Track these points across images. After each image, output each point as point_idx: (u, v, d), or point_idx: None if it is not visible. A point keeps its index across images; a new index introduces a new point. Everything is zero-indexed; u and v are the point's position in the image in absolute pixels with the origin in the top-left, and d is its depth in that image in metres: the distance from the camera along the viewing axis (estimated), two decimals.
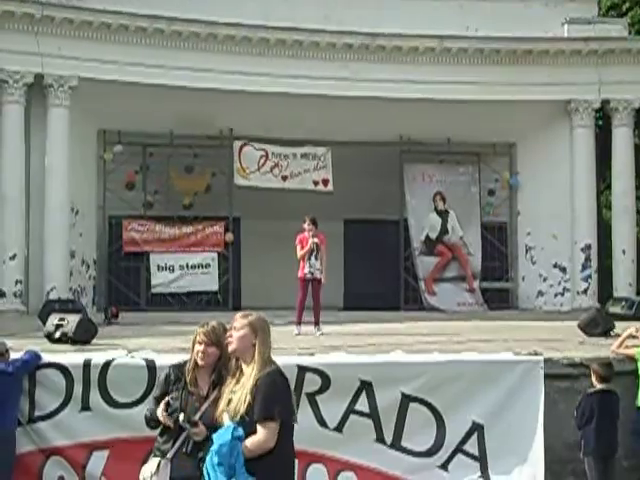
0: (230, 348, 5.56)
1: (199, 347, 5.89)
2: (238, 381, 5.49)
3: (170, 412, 5.83)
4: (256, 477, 5.21)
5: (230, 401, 5.44)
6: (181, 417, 5.68)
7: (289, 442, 5.40)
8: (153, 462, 5.82)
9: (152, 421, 6.02)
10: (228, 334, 5.62)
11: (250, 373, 5.39)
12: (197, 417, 5.69)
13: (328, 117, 20.63)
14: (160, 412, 5.84)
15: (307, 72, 20.36)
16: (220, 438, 5.30)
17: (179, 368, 6.02)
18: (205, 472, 5.32)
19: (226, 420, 5.39)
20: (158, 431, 6.02)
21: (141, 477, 5.86)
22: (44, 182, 19.51)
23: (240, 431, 5.27)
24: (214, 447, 5.29)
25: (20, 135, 19.44)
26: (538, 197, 22.31)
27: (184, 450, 5.77)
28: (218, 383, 5.86)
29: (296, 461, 5.71)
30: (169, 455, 5.76)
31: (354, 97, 20.42)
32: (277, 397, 5.28)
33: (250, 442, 5.24)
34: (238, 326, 5.54)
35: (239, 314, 5.69)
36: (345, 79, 20.52)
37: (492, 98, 20.87)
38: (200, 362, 5.88)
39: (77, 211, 20.33)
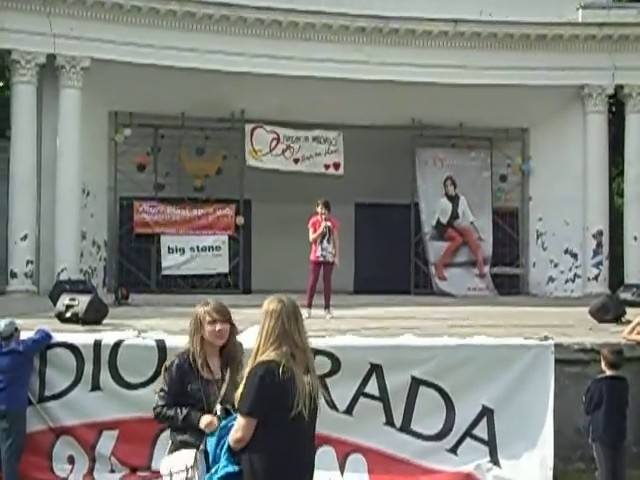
0: None
1: (213, 326, 5.63)
2: None
3: (192, 403, 5.64)
4: (238, 468, 5.10)
5: None
6: (219, 409, 5.51)
7: (275, 441, 5.05)
8: (188, 454, 5.54)
9: (172, 420, 5.71)
10: None
11: (251, 359, 5.20)
12: (219, 401, 5.52)
13: (340, 100, 20.55)
14: (206, 422, 5.53)
15: (319, 55, 20.29)
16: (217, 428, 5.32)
17: (189, 356, 5.71)
18: None
19: None
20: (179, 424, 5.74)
21: (167, 469, 5.61)
22: (55, 163, 19.51)
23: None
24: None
25: (32, 116, 19.41)
26: (550, 183, 22.21)
27: None
28: (229, 361, 5.68)
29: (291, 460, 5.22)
30: (203, 446, 5.48)
31: (367, 80, 20.33)
32: (252, 392, 5.02)
33: (230, 433, 5.15)
34: None
35: None
36: (358, 62, 20.42)
37: (505, 83, 20.76)
38: (218, 341, 5.64)
39: (88, 192, 20.33)
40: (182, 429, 5.68)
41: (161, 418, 5.79)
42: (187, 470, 5.50)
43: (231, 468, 5.09)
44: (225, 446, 5.15)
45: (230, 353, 5.74)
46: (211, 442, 5.28)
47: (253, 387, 5.03)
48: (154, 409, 5.80)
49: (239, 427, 5.08)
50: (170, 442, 5.80)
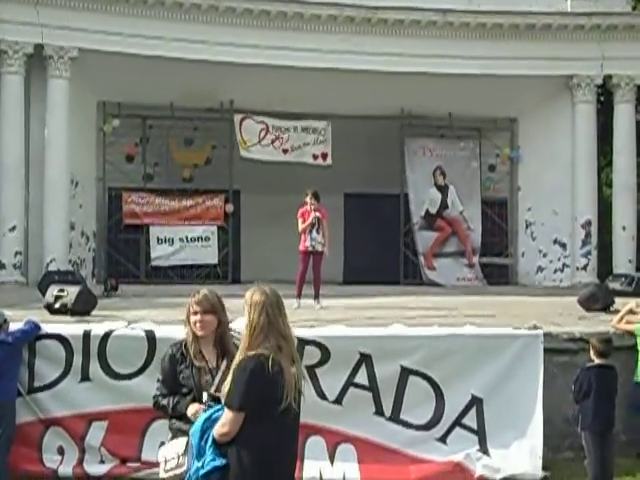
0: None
1: (195, 317, 5.70)
2: None
3: (185, 393, 5.71)
4: (225, 461, 5.07)
5: None
6: (205, 396, 5.54)
7: (264, 434, 5.02)
8: (179, 442, 5.61)
9: (165, 409, 5.80)
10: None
11: (239, 353, 5.15)
12: (212, 390, 5.55)
13: (329, 90, 20.50)
14: (192, 411, 5.59)
15: (308, 45, 20.23)
16: (198, 419, 5.26)
17: (182, 346, 5.80)
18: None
19: None
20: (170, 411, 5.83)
21: (162, 457, 5.68)
22: (44, 153, 19.43)
23: (220, 413, 5.14)
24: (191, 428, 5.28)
25: (20, 106, 19.33)
26: (539, 173, 22.24)
27: None
28: (225, 351, 5.71)
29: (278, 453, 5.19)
30: None
31: (355, 70, 20.29)
32: (242, 387, 4.97)
33: (216, 425, 5.10)
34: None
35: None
36: (346, 52, 20.36)
37: (494, 72, 20.76)
38: (199, 332, 5.70)
39: (77, 183, 20.27)
40: (178, 417, 5.76)
41: (157, 407, 5.91)
42: (178, 457, 5.56)
43: (218, 462, 5.06)
44: (210, 439, 5.10)
45: (221, 345, 5.77)
46: (195, 435, 5.21)
47: (243, 381, 4.97)
48: (153, 398, 5.92)
49: (226, 421, 5.03)
50: (169, 430, 5.89)
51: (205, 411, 5.40)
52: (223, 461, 5.06)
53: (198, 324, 5.71)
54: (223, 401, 5.10)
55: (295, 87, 20.40)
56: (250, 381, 4.97)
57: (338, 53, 20.35)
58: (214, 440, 5.10)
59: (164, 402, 5.81)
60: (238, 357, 5.09)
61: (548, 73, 21.36)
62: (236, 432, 5.01)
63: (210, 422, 5.16)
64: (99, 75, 19.64)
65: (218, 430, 5.07)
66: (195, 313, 5.73)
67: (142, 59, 19.39)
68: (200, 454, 5.14)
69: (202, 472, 5.09)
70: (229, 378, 5.06)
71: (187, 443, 5.52)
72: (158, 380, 5.89)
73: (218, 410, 5.18)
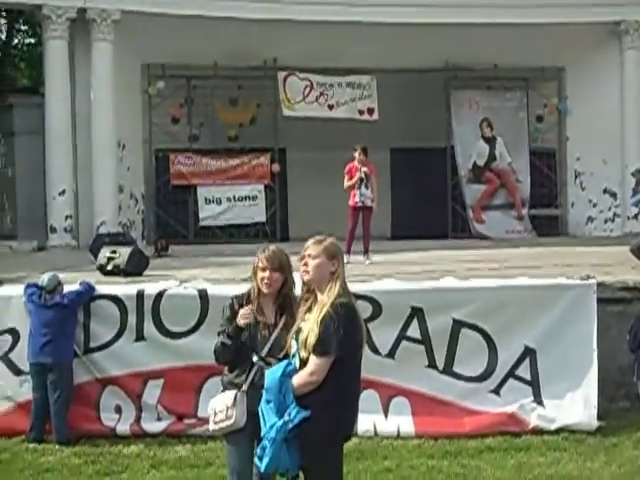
0: (306, 278, 5.21)
1: (263, 274, 5.62)
2: (310, 309, 5.17)
3: (240, 343, 5.70)
4: (310, 412, 5.02)
5: (300, 330, 5.16)
6: (255, 358, 5.59)
7: (347, 380, 5.11)
8: (228, 395, 5.66)
9: (226, 349, 5.71)
10: (302, 262, 5.22)
11: (323, 302, 5.09)
12: (268, 347, 5.58)
13: (372, 45, 20.34)
14: (241, 315, 5.63)
15: None
16: (271, 375, 5.16)
17: (241, 299, 5.78)
18: (260, 410, 5.19)
19: (294, 349, 5.20)
20: (226, 367, 5.86)
21: (211, 410, 5.73)
22: (90, 117, 19.55)
23: (292, 367, 5.12)
24: (265, 384, 5.17)
25: (65, 71, 19.43)
26: (587, 122, 21.90)
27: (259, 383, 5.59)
28: (285, 309, 5.68)
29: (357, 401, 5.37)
30: (245, 387, 5.62)
31: (399, 23, 20.09)
32: (337, 332, 4.97)
33: (297, 376, 5.07)
34: (313, 253, 5.18)
35: (311, 240, 5.27)
36: (389, 5, 20.13)
37: (540, 21, 20.41)
38: (265, 289, 5.64)
39: (124, 146, 20.40)
40: (230, 370, 5.80)
41: (217, 354, 5.84)
42: (227, 409, 5.62)
43: (305, 413, 5.00)
44: (290, 392, 5.05)
45: (283, 302, 5.73)
46: (272, 390, 5.09)
47: (341, 327, 4.99)
48: (214, 352, 5.89)
49: (316, 369, 5.01)
50: (220, 384, 5.93)
51: (257, 371, 5.51)
52: (308, 412, 5.01)
53: (266, 281, 5.64)
54: (309, 350, 5.03)
55: (338, 42, 20.25)
56: (347, 326, 5.03)
57: (380, 6, 20.09)
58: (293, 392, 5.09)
59: (217, 343, 5.76)
60: (327, 305, 5.07)
61: (595, 20, 20.93)
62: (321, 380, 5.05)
63: (284, 377, 5.09)
64: (142, 37, 19.65)
65: (304, 379, 5.04)
66: (264, 269, 5.64)
67: (184, 19, 19.36)
68: (279, 409, 5.06)
69: (291, 425, 5.01)
70: (316, 327, 5.03)
71: (236, 396, 5.61)
72: (218, 334, 5.81)
73: (289, 364, 5.15)
